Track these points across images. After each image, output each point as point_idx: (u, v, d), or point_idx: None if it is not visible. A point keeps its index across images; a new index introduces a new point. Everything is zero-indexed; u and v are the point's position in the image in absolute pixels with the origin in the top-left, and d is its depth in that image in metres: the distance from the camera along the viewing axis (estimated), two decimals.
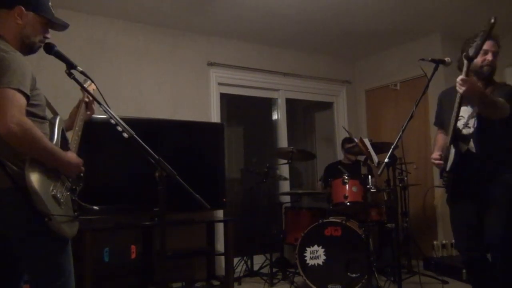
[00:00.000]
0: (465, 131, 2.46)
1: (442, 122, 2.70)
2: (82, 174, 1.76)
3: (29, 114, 1.58)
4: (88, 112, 1.97)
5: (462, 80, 2.21)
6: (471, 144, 2.40)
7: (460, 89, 2.22)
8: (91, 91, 1.96)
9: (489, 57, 2.45)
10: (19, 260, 1.67)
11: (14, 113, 1.46)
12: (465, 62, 2.24)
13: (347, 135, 4.89)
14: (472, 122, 2.44)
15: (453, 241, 4.35)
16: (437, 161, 2.53)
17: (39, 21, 1.70)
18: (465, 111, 2.46)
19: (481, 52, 2.37)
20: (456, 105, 2.33)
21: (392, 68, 5.21)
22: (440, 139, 2.69)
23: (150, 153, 1.66)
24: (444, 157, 2.49)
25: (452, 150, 2.42)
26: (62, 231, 1.58)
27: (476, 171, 2.40)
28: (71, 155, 1.69)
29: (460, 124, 2.47)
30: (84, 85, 1.92)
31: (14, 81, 1.49)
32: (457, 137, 2.41)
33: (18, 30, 1.66)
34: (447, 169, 2.46)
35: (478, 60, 2.42)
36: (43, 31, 1.72)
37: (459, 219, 2.55)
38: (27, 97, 1.54)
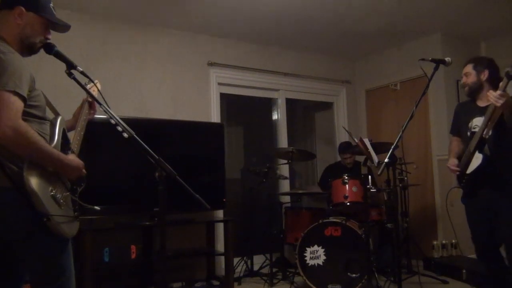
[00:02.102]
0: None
1: (459, 131, 2.95)
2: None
3: (28, 115, 1.58)
4: (92, 111, 1.97)
5: (500, 95, 2.42)
6: (486, 147, 2.64)
7: (498, 103, 2.43)
8: (93, 93, 1.97)
9: (463, 79, 2.77)
10: (19, 260, 1.67)
11: (10, 116, 1.46)
12: (505, 79, 2.43)
13: (347, 137, 4.91)
14: (486, 129, 2.67)
15: (453, 241, 4.38)
16: (454, 168, 2.82)
17: (39, 22, 1.69)
18: (480, 121, 2.69)
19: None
20: (487, 115, 2.57)
21: (392, 68, 5.20)
22: (456, 146, 2.98)
23: (150, 153, 1.66)
24: (464, 163, 2.76)
25: (479, 155, 2.64)
26: (61, 231, 1.58)
27: (491, 172, 2.63)
28: (71, 158, 1.69)
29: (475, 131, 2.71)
30: (87, 87, 1.92)
31: (10, 83, 1.49)
32: (482, 143, 2.65)
33: (18, 30, 1.65)
34: (468, 171, 2.72)
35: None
36: (43, 32, 1.72)
37: (474, 215, 2.81)
38: (24, 99, 1.53)
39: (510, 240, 2.62)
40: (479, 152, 2.64)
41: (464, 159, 2.77)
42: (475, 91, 2.76)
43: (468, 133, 2.79)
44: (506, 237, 2.64)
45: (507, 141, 2.62)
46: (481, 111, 2.71)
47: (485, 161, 2.61)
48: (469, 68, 2.77)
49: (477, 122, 2.73)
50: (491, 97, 2.47)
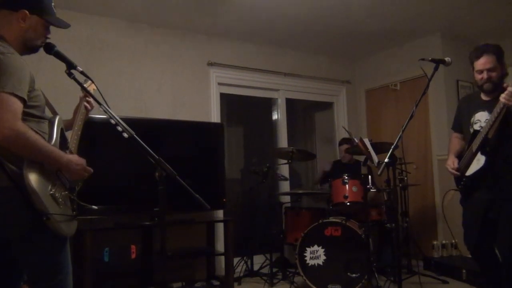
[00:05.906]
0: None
1: (460, 127, 2.85)
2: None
3: (27, 114, 1.58)
4: (88, 107, 1.95)
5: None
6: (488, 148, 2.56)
7: (510, 101, 2.32)
8: (91, 91, 1.97)
9: (484, 75, 2.57)
10: (18, 258, 1.67)
11: (8, 117, 1.46)
12: None
13: (347, 135, 4.90)
14: (491, 130, 2.56)
15: (453, 241, 4.37)
16: (454, 172, 2.72)
17: (42, 24, 1.70)
18: (482, 115, 2.61)
19: (477, 72, 2.58)
20: (494, 114, 2.43)
21: (392, 68, 5.21)
22: (456, 143, 2.87)
23: (150, 153, 1.66)
24: (464, 164, 2.67)
25: (481, 157, 2.55)
26: (60, 230, 1.58)
27: (490, 174, 2.56)
28: (72, 155, 1.70)
29: (476, 127, 2.63)
30: (84, 85, 1.92)
31: (9, 85, 1.49)
32: (486, 144, 2.53)
33: (21, 33, 1.66)
34: (468, 173, 2.64)
35: (478, 78, 2.60)
36: (45, 33, 1.73)
37: (469, 218, 2.75)
38: (23, 100, 1.54)
39: (504, 244, 2.56)
40: (482, 153, 2.55)
41: (464, 159, 2.69)
42: (499, 86, 2.53)
43: (470, 129, 2.69)
44: (500, 240, 2.57)
45: (510, 143, 2.53)
46: (484, 105, 2.61)
47: (487, 163, 2.52)
48: (492, 61, 2.53)
49: (479, 116, 2.63)
50: (504, 96, 2.33)
